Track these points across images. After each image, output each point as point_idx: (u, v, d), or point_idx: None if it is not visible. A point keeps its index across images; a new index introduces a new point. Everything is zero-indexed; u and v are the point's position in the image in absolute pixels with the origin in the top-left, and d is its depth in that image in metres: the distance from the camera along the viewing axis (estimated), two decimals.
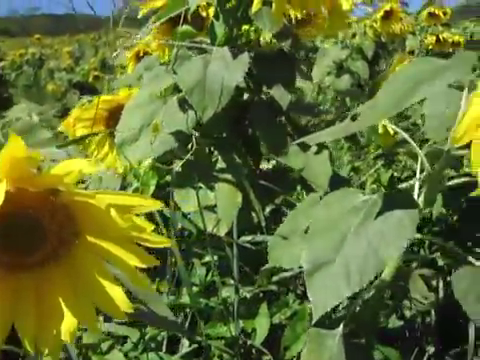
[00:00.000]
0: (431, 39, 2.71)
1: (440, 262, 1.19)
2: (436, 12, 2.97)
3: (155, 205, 0.46)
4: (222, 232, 1.00)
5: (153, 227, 0.46)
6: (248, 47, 1.08)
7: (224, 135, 1.12)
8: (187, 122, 0.96)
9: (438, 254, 1.24)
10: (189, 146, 0.95)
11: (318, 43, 3.38)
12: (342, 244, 0.70)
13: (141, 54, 1.81)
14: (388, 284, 0.89)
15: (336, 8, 1.12)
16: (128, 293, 0.54)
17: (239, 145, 1.11)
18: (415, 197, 0.83)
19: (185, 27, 0.99)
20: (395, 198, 0.72)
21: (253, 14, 0.95)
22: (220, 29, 0.99)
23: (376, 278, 0.91)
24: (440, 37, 2.66)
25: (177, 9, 0.98)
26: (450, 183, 0.82)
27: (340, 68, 2.74)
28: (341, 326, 0.84)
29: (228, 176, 1.03)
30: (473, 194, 0.57)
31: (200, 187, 1.03)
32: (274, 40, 1.00)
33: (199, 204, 0.96)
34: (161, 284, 1.19)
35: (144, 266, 0.49)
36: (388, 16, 2.64)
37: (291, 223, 0.87)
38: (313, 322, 0.68)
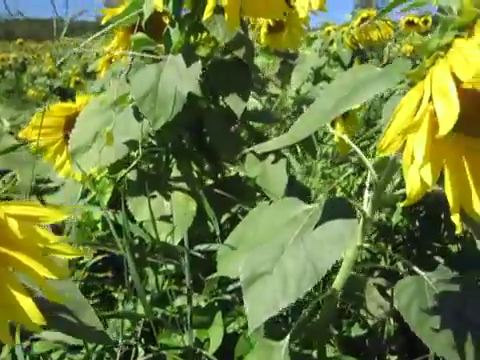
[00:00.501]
0: (409, 47, 2.72)
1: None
2: (415, 21, 2.98)
3: (60, 216, 0.45)
4: (176, 241, 1.00)
5: (57, 238, 0.45)
6: (207, 55, 1.08)
7: (183, 143, 1.11)
8: (141, 130, 0.96)
9: (400, 263, 1.24)
10: (136, 154, 0.95)
11: (300, 50, 3.39)
12: (281, 255, 0.70)
13: (113, 60, 1.81)
14: (339, 294, 0.88)
15: (292, 17, 1.12)
16: (54, 304, 0.53)
17: (197, 153, 1.10)
18: (364, 206, 0.82)
19: (139, 34, 0.99)
20: (335, 208, 0.72)
21: (206, 22, 0.95)
22: (175, 36, 0.99)
23: (325, 288, 0.91)
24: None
25: (131, 16, 0.98)
26: (401, 191, 0.82)
27: (318, 75, 2.75)
28: (287, 338, 0.83)
29: (182, 184, 1.03)
30: (402, 204, 0.57)
31: (155, 196, 1.03)
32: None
33: (151, 213, 0.95)
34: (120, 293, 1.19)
35: (55, 278, 0.48)
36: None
37: (240, 232, 0.87)
38: (249, 333, 0.67)
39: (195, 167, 1.09)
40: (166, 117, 0.92)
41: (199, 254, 0.96)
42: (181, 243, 1.00)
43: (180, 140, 1.11)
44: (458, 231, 0.55)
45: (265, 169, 1.03)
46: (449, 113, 0.49)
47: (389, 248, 1.20)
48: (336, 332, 1.19)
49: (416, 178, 0.54)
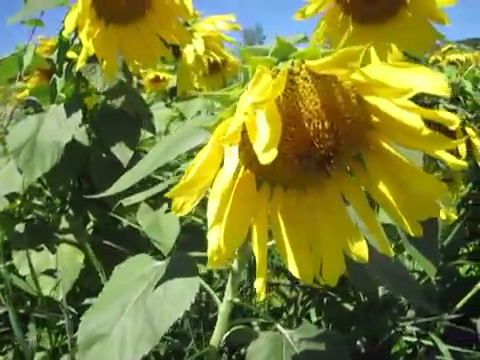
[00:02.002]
0: None
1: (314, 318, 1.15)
2: None
3: None
4: (61, 296, 0.96)
5: None
6: (98, 103, 1.06)
7: (79, 192, 1.08)
8: (23, 183, 0.93)
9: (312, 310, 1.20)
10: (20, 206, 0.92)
11: None
12: (121, 316, 0.66)
13: None
14: (219, 350, 0.84)
15: (182, 62, 1.11)
16: None
17: (93, 202, 1.07)
18: (234, 262, 0.79)
19: (20, 84, 0.97)
20: (179, 265, 0.69)
21: (84, 71, 0.93)
22: (60, 85, 0.97)
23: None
24: None
25: (13, 66, 0.97)
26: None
27: None
28: None
29: (70, 236, 0.99)
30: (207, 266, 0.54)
31: (42, 248, 0.99)
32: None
33: (31, 267, 0.92)
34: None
35: None
36: None
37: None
38: None
39: (92, 217, 1.06)
40: (43, 168, 0.90)
41: (75, 311, 0.92)
42: (69, 296, 0.96)
43: (78, 190, 1.08)
44: (260, 299, 0.52)
45: (157, 218, 0.99)
46: (227, 168, 0.46)
47: (300, 295, 1.16)
48: None
49: (218, 240, 0.51)
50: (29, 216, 1.06)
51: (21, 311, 0.95)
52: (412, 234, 0.55)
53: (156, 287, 0.66)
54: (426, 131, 0.43)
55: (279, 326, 0.73)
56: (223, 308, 0.81)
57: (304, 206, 0.56)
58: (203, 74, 1.68)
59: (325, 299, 1.15)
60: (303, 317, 1.14)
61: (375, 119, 0.52)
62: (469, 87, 1.09)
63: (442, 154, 0.49)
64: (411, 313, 1.12)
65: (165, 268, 0.68)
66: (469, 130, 1.05)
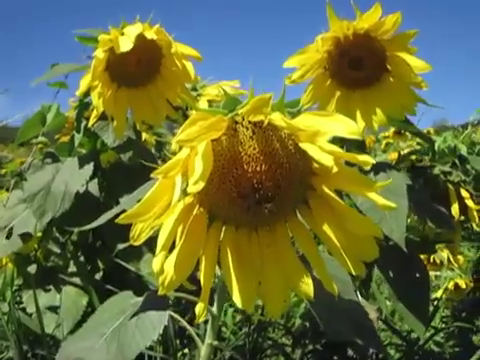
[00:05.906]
0: (394, 155, 2.74)
1: None
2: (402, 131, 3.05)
3: None
4: (64, 333, 1.02)
5: None
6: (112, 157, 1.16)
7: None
8: (35, 226, 1.02)
9: None
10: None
11: None
12: (98, 342, 0.72)
13: None
14: None
15: None
16: None
17: (104, 252, 1.14)
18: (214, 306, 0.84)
19: (41, 138, 1.08)
20: (153, 301, 0.74)
21: (96, 128, 1.04)
22: (78, 141, 1.07)
23: None
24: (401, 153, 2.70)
25: (37, 124, 1.09)
26: None
27: None
28: None
29: (76, 279, 1.07)
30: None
31: (50, 289, 1.07)
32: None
33: (37, 306, 0.99)
34: None
35: None
36: None
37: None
38: None
39: (101, 264, 1.13)
40: (53, 213, 0.99)
41: None
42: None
43: (89, 238, 1.16)
44: (199, 320, 0.57)
45: None
46: (174, 198, 0.53)
47: (299, 354, 1.18)
48: None
49: (160, 266, 0.57)
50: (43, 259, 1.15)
51: (25, 347, 1.02)
52: (354, 273, 0.60)
53: (131, 319, 0.72)
54: (335, 169, 0.48)
55: None
56: (203, 351, 0.85)
57: (254, 245, 0.61)
58: None
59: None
60: None
61: (316, 165, 0.57)
62: (464, 151, 1.13)
63: (373, 196, 0.54)
64: None
65: (142, 302, 0.74)
66: (463, 192, 1.09)
